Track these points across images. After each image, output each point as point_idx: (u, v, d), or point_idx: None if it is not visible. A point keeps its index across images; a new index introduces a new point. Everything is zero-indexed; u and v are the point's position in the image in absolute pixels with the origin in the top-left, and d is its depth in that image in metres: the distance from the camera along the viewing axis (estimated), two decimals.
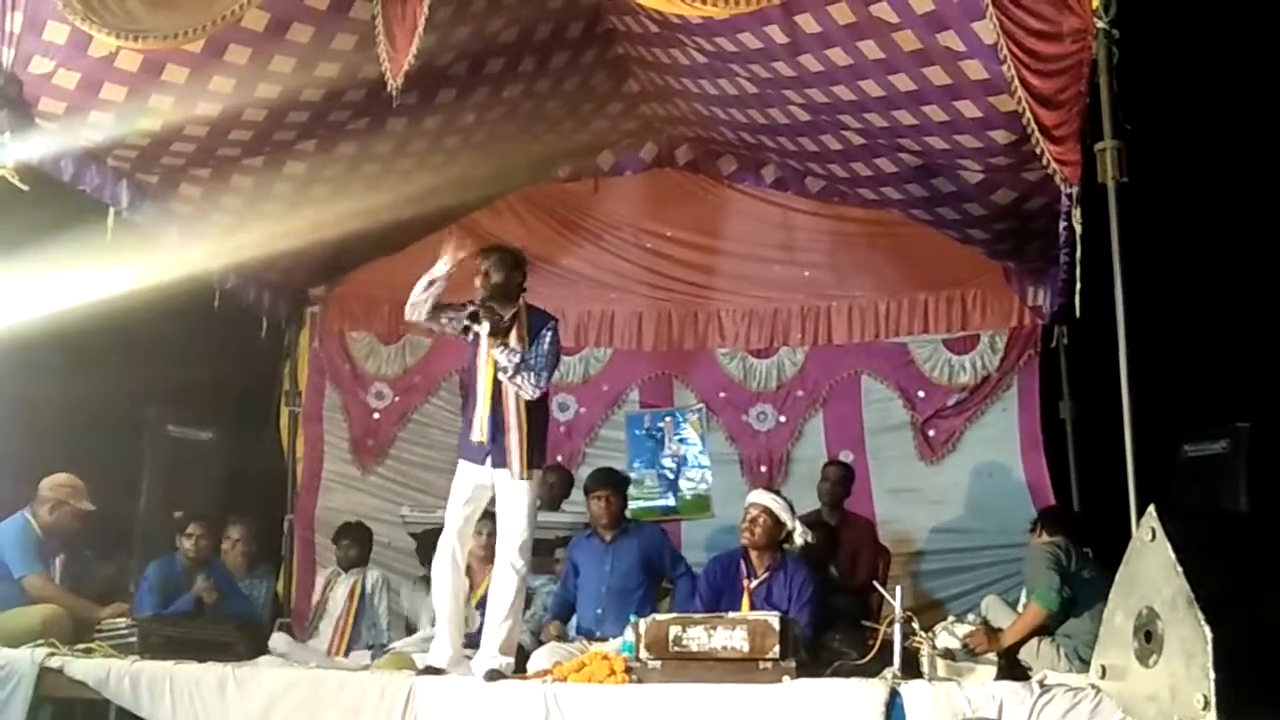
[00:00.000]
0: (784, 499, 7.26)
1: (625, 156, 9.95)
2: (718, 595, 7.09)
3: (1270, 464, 7.28)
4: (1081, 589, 6.14)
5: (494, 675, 6.20)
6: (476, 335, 6.62)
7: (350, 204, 8.48)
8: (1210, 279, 8.08)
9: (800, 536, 7.12)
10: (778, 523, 7.10)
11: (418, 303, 6.60)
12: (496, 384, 6.54)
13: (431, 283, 6.57)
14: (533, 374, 6.50)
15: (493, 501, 6.65)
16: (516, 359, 6.44)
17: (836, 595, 7.57)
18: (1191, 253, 7.92)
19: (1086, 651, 5.11)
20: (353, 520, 8.79)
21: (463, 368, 6.88)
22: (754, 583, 7.07)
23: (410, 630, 8.18)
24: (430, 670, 6.35)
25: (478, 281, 6.65)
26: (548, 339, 6.65)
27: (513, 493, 6.52)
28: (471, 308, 6.64)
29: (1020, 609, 6.76)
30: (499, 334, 6.52)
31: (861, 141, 7.75)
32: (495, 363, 6.50)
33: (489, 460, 6.54)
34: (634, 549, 7.54)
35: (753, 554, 7.15)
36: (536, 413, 6.60)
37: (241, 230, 8.23)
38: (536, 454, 6.62)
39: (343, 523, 8.76)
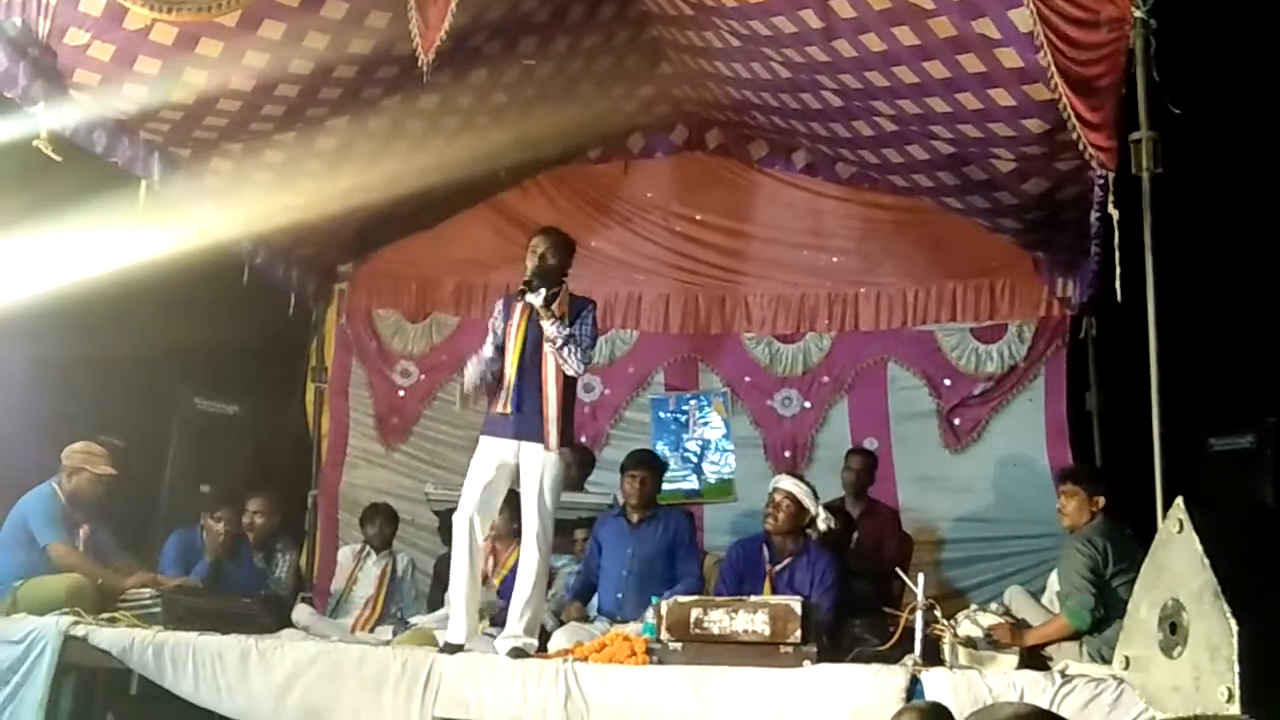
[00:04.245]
0: (808, 484, 7.27)
1: (656, 139, 9.97)
2: (740, 579, 7.10)
3: None
4: (1113, 599, 6.08)
5: (518, 653, 6.22)
6: (508, 309, 6.62)
7: (380, 181, 8.50)
8: (1241, 273, 8.03)
9: (823, 522, 7.12)
10: (801, 508, 7.12)
11: (473, 386, 6.70)
12: (525, 356, 6.53)
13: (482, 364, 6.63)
14: (579, 350, 6.52)
15: (514, 480, 6.65)
16: (566, 332, 6.45)
17: (857, 580, 7.58)
18: (1223, 246, 7.87)
19: (1110, 653, 5.10)
20: (379, 501, 8.80)
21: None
22: (776, 568, 7.09)
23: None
24: (449, 647, 6.37)
25: (530, 261, 6.62)
26: (590, 319, 6.66)
27: (540, 467, 6.48)
28: (506, 311, 6.67)
29: (1047, 600, 6.76)
30: (546, 306, 6.48)
31: (894, 128, 7.73)
32: (540, 333, 6.48)
33: (514, 433, 6.52)
34: (657, 535, 7.53)
35: (775, 539, 7.16)
36: (569, 389, 6.61)
37: (272, 206, 8.26)
38: (568, 430, 6.63)
39: (371, 504, 8.76)
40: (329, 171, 8.30)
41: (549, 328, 6.44)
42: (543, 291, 6.45)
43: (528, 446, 6.50)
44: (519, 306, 6.58)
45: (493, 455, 6.57)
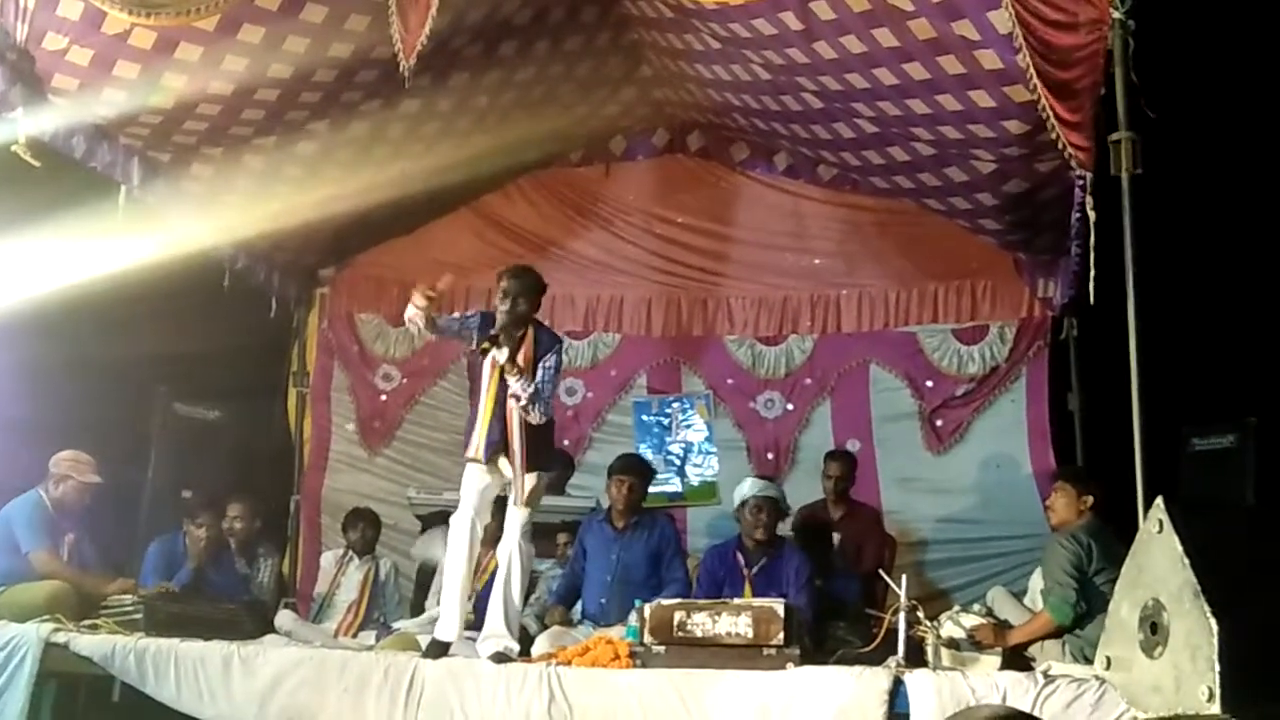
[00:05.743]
0: (773, 482, 7.38)
1: (637, 142, 9.96)
2: (718, 585, 7.14)
3: (1278, 458, 7.27)
4: (1095, 596, 6.10)
5: (500, 657, 6.21)
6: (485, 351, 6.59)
7: (361, 185, 8.48)
8: (1221, 273, 8.06)
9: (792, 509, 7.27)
10: (780, 508, 7.22)
11: (411, 329, 6.68)
12: (499, 401, 6.55)
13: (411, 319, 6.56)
14: (542, 403, 6.54)
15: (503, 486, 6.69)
16: (531, 390, 6.45)
17: (840, 581, 7.63)
18: (1203, 246, 7.90)
19: (1092, 652, 5.11)
20: (362, 506, 8.78)
21: (471, 362, 6.88)
22: (754, 570, 7.14)
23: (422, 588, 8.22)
24: (436, 645, 6.36)
25: (501, 302, 6.58)
26: (553, 363, 6.65)
27: (520, 485, 6.55)
28: (483, 332, 6.60)
29: (1030, 601, 6.77)
30: (511, 361, 6.48)
31: (874, 130, 7.74)
32: (506, 386, 6.49)
33: (497, 458, 6.58)
34: (643, 541, 7.52)
35: (749, 542, 7.21)
36: (539, 427, 6.63)
37: (252, 210, 8.23)
38: (542, 459, 6.69)
39: (353, 508, 8.74)
40: (309, 176, 8.28)
41: (514, 384, 6.46)
42: (507, 349, 6.46)
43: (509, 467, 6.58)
44: (504, 359, 6.56)
45: (466, 477, 6.67)
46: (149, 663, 6.43)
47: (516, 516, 6.56)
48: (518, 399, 6.46)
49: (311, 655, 6.47)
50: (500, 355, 6.46)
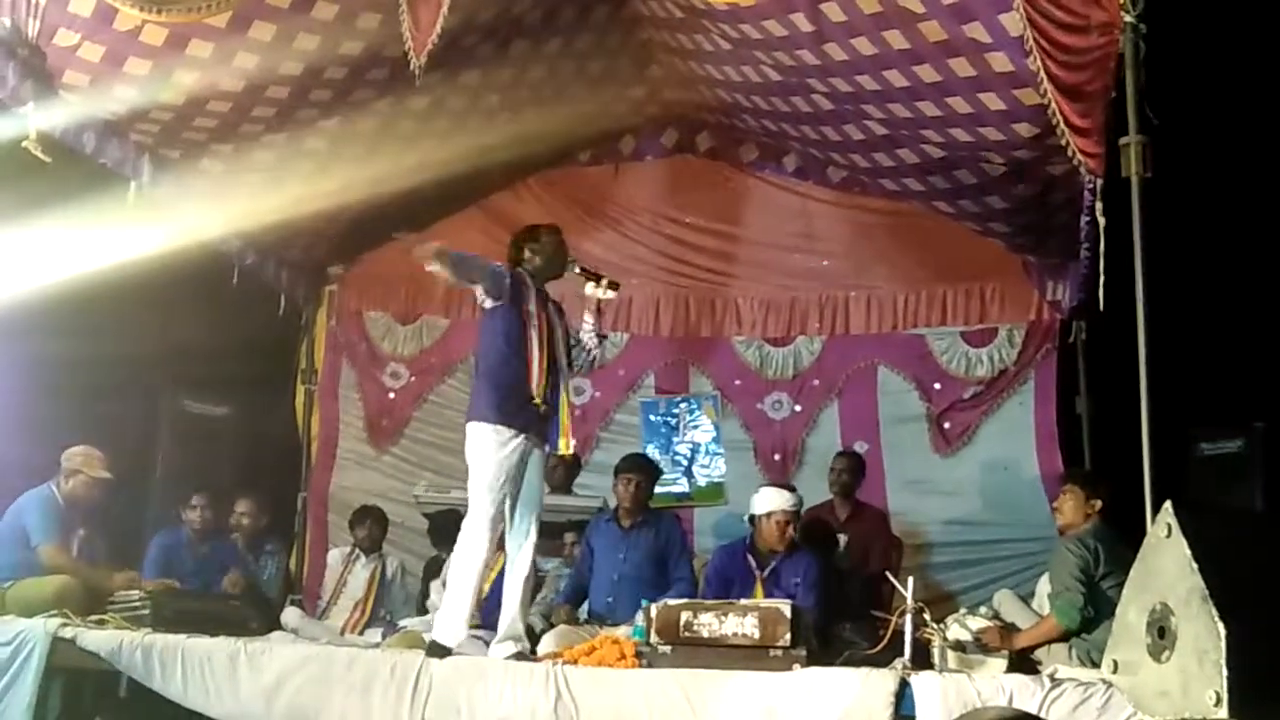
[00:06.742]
0: (794, 491, 7.34)
1: (646, 142, 9.95)
2: (727, 585, 7.12)
3: None
4: (1103, 600, 6.10)
5: (520, 657, 6.22)
6: (520, 295, 6.47)
7: (370, 183, 8.48)
8: (1231, 277, 8.05)
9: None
10: (798, 516, 7.20)
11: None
12: (551, 349, 6.47)
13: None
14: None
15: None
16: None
17: (846, 583, 7.62)
18: (1212, 250, 7.89)
19: (1099, 656, 5.11)
20: (369, 504, 8.80)
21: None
22: (765, 572, 7.12)
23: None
24: (438, 648, 6.31)
25: (559, 252, 6.70)
26: None
27: (539, 470, 6.53)
28: (515, 286, 6.52)
29: (1038, 605, 6.76)
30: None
31: (884, 132, 7.73)
32: (554, 327, 6.50)
33: (536, 431, 6.41)
34: (650, 539, 7.53)
35: (763, 546, 7.21)
36: None
37: (262, 207, 8.24)
38: None
39: (360, 506, 8.76)
40: (319, 173, 8.28)
41: (592, 324, 6.60)
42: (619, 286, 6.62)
43: (535, 450, 6.49)
44: (532, 293, 6.52)
45: (505, 453, 6.30)
46: (156, 658, 6.43)
47: (532, 516, 6.47)
48: (603, 337, 6.68)
49: (318, 652, 6.48)
50: (609, 294, 6.61)
